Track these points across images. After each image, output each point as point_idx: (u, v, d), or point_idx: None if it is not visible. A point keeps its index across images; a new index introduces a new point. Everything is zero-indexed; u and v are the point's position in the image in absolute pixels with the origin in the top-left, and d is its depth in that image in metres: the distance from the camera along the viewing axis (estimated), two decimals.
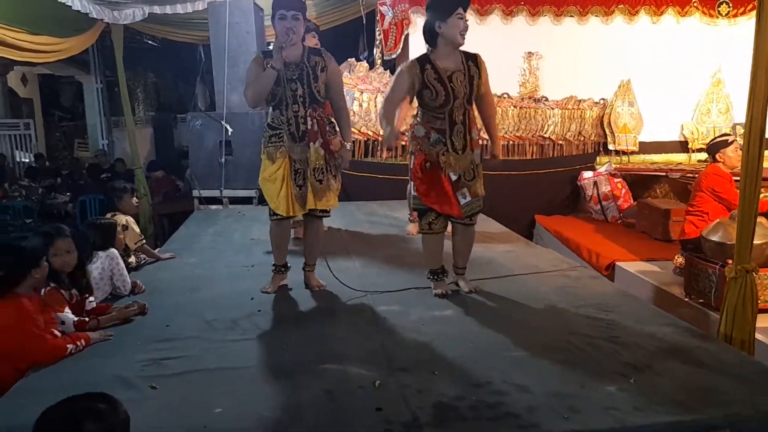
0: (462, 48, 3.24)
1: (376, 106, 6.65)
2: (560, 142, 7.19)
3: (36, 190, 8.40)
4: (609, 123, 7.16)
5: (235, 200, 6.62)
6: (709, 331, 3.18)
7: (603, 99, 7.19)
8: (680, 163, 7.11)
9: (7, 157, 10.31)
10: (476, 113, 3.40)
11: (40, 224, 6.97)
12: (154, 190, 8.48)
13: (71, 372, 2.46)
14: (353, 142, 6.48)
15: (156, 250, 4.45)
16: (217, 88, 6.71)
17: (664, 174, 6.78)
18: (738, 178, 3.01)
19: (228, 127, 6.40)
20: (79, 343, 2.63)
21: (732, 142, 4.37)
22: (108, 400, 1.55)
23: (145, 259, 4.17)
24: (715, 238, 3.72)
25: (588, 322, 2.98)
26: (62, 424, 1.46)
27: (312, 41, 4.11)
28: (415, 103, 3.32)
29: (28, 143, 11.47)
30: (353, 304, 3.31)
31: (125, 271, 3.49)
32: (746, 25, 7.19)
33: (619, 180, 6.71)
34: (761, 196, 2.90)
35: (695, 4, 7.15)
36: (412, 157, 3.34)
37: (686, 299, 4.00)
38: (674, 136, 7.41)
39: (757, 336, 2.99)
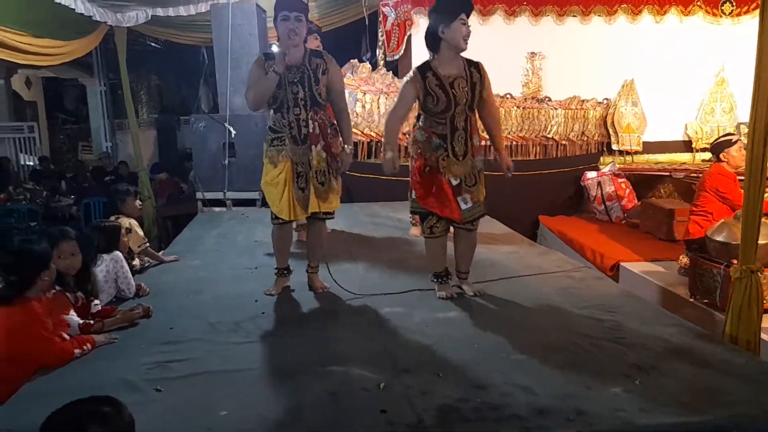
0: (465, 50, 3.24)
1: (379, 107, 6.66)
2: (563, 142, 7.18)
3: (40, 193, 8.42)
4: (612, 123, 7.15)
5: (238, 202, 6.62)
6: (715, 332, 3.17)
7: (606, 99, 7.18)
8: (684, 163, 7.07)
9: (11, 160, 10.34)
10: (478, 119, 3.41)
11: (44, 227, 7.00)
12: (157, 193, 8.50)
13: (76, 375, 2.47)
14: (356, 143, 6.51)
15: (160, 253, 4.45)
16: (220, 90, 6.72)
17: (668, 174, 6.76)
18: (742, 178, 3.00)
19: (231, 129, 6.40)
20: (85, 347, 2.64)
21: (736, 142, 4.36)
22: (113, 404, 1.55)
23: (149, 261, 4.18)
24: (719, 238, 3.71)
25: (592, 323, 2.97)
26: (67, 428, 1.46)
27: (314, 43, 4.12)
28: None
29: (33, 146, 11.51)
30: (356, 306, 3.31)
31: (129, 274, 3.50)
32: (750, 23, 7.17)
33: (622, 180, 6.70)
34: (766, 195, 2.89)
35: (698, 3, 7.13)
36: (413, 160, 3.35)
37: (691, 300, 3.98)
38: (678, 136, 7.39)
39: (763, 336, 2.97)
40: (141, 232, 4.14)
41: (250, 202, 6.58)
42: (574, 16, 7.05)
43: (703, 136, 7.21)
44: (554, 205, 6.97)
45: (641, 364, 2.47)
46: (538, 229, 6.77)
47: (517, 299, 3.37)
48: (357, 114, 6.61)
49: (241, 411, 2.17)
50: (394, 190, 5.99)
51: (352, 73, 6.65)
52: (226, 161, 6.47)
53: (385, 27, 6.85)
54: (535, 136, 7.10)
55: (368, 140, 6.74)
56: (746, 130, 3.14)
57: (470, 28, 3.17)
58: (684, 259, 4.39)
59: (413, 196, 3.39)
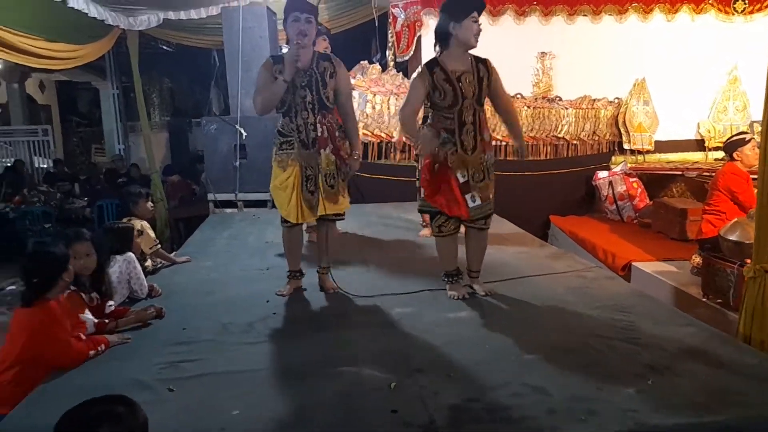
0: (474, 49, 3.25)
1: (389, 108, 6.66)
2: (574, 142, 7.15)
3: (54, 196, 8.52)
4: (624, 122, 7.11)
5: (249, 203, 6.65)
6: (728, 332, 3.14)
7: (617, 98, 7.14)
8: (697, 162, 7.02)
9: (25, 163, 10.46)
10: (488, 115, 3.40)
11: (58, 229, 7.08)
12: (170, 195, 8.56)
13: (90, 375, 2.49)
14: (366, 144, 6.52)
15: (172, 254, 4.48)
16: (231, 93, 6.76)
17: (680, 173, 6.71)
18: (756, 177, 2.97)
19: (242, 130, 6.44)
20: (99, 348, 2.66)
21: (749, 140, 4.32)
22: (127, 403, 1.56)
23: (161, 262, 4.21)
24: (733, 237, 3.67)
25: (605, 324, 2.96)
26: (82, 427, 1.47)
27: (322, 45, 4.13)
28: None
29: (47, 149, 11.65)
30: (367, 307, 3.31)
31: (142, 275, 3.53)
32: (762, 21, 7.12)
33: (634, 179, 6.65)
34: None
35: (710, 2, 7.08)
36: (421, 158, 3.35)
37: (704, 299, 3.95)
38: (690, 135, 7.34)
39: None
40: (152, 234, 4.17)
41: (261, 203, 6.61)
42: (585, 15, 7.03)
43: (716, 134, 7.16)
44: (565, 205, 6.94)
45: (655, 365, 2.45)
46: (549, 230, 6.75)
47: (529, 299, 3.36)
48: (367, 115, 6.62)
49: (253, 411, 2.18)
50: (405, 191, 5.99)
51: (362, 75, 6.66)
52: (237, 163, 6.50)
53: (395, 28, 6.86)
54: (546, 136, 7.07)
55: (378, 141, 6.75)
56: (759, 129, 3.12)
57: (481, 26, 3.18)
58: (697, 259, 4.36)
59: (422, 195, 3.39)
